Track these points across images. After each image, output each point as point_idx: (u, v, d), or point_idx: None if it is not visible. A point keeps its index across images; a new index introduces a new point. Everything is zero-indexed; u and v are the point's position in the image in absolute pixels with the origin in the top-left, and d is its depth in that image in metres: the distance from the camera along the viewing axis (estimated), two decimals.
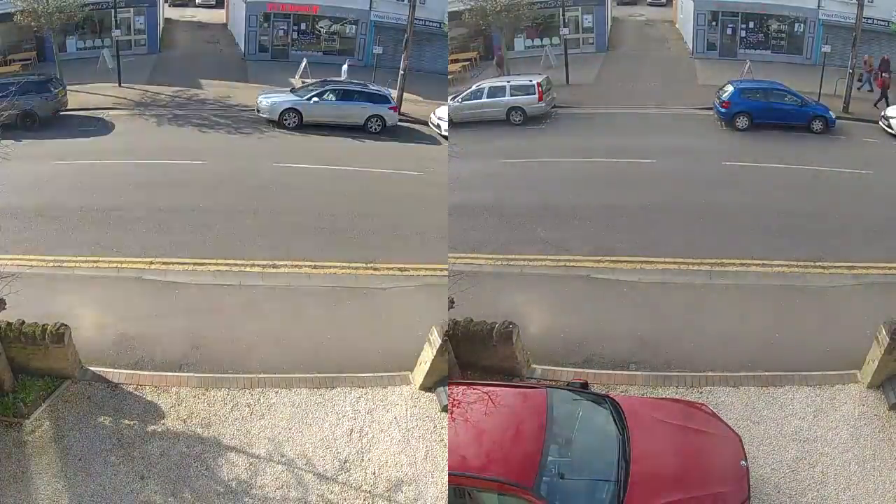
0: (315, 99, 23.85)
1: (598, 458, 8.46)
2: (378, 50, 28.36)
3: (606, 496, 8.07)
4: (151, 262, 14.41)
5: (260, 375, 11.22)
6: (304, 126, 23.51)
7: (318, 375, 11.22)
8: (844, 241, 14.96)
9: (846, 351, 11.13)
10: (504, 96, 24.86)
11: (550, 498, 7.91)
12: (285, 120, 23.55)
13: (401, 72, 26.73)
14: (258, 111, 24.02)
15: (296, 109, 23.57)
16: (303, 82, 26.92)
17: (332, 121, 23.81)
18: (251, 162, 20.55)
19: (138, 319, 12.54)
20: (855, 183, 18.72)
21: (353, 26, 33.44)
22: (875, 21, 28.94)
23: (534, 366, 11.31)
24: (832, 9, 30.33)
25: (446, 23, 31.77)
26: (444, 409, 10.37)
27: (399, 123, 24.94)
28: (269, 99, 24.09)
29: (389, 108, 24.34)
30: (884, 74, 26.74)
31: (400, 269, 14.60)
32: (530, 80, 25.38)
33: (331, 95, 24.06)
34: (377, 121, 23.99)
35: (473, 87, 25.57)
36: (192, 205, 17.06)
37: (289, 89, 25.25)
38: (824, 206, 17.03)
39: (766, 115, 23.34)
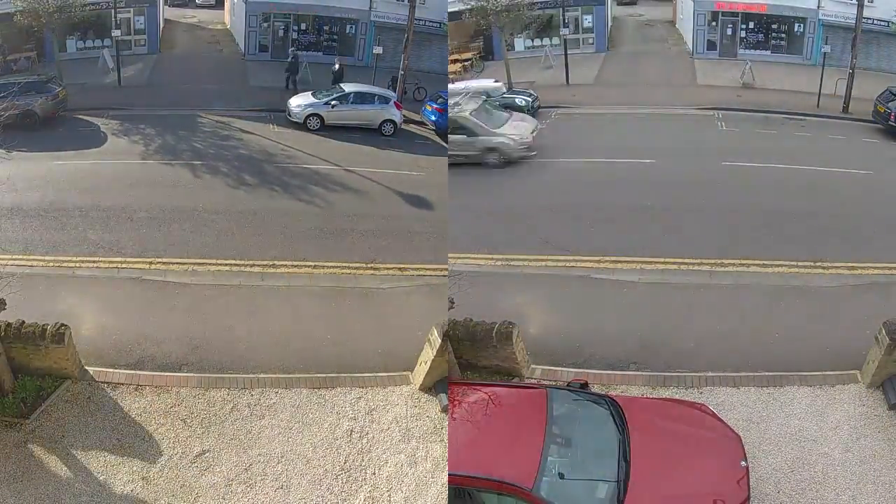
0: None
1: (598, 458, 8.46)
2: (378, 50, 28.39)
3: (606, 496, 8.07)
4: (151, 262, 14.42)
5: (260, 375, 11.22)
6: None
7: (318, 375, 11.22)
8: (844, 241, 14.95)
9: (846, 351, 11.13)
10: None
11: (550, 498, 7.91)
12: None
13: (401, 72, 26.77)
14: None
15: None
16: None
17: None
18: (250, 162, 20.55)
19: (138, 319, 12.54)
20: (855, 183, 18.71)
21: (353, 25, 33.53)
22: (875, 21, 28.96)
23: (534, 366, 11.31)
24: (832, 9, 30.35)
25: (446, 23, 31.80)
26: (444, 409, 10.38)
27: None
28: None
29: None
30: None
31: (400, 269, 14.61)
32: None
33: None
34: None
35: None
36: (193, 205, 17.06)
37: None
38: (824, 206, 17.02)
39: None
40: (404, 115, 25.20)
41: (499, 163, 20.28)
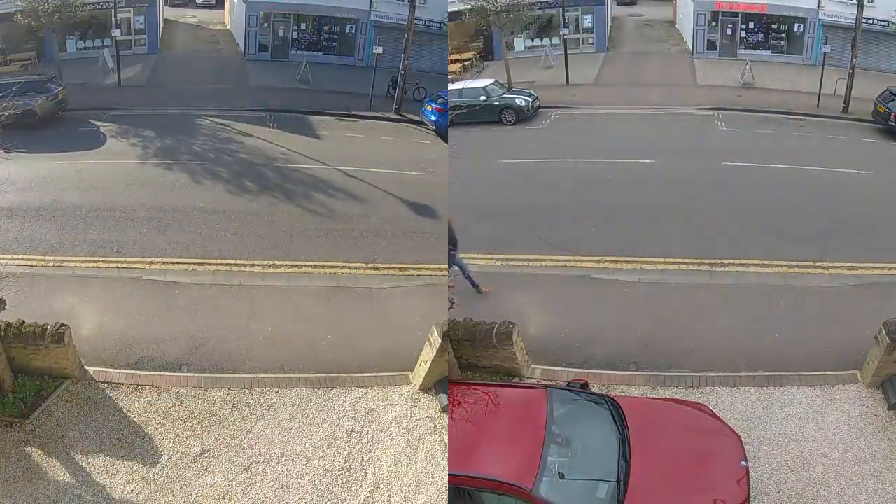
0: None
1: (598, 458, 8.45)
2: (378, 50, 28.38)
3: (606, 496, 8.06)
4: (151, 262, 14.42)
5: (260, 375, 11.22)
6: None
7: (318, 375, 11.22)
8: (844, 241, 14.93)
9: (846, 351, 11.12)
10: None
11: (550, 498, 7.90)
12: None
13: (401, 72, 26.78)
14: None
15: None
16: None
17: None
18: (250, 163, 20.55)
19: (138, 319, 12.54)
20: (855, 183, 18.71)
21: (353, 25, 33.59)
22: (875, 21, 28.95)
23: (534, 366, 11.31)
24: (832, 9, 30.35)
25: (446, 23, 31.81)
26: (444, 409, 10.37)
27: (398, 123, 24.99)
28: None
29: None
30: None
31: (400, 269, 14.60)
32: None
33: None
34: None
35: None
36: (192, 205, 17.07)
37: None
38: (824, 206, 17.01)
39: None
40: (404, 115, 25.22)
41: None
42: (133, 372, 11.22)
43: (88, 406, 10.50)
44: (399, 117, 26.00)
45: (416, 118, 25.60)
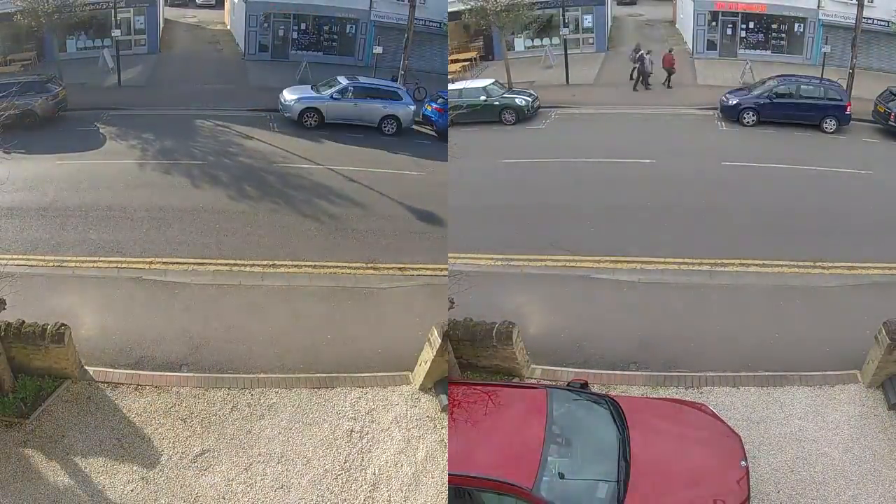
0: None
1: (598, 458, 8.45)
2: (378, 50, 28.39)
3: (606, 496, 8.06)
4: (151, 262, 14.42)
5: (260, 375, 11.22)
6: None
7: (318, 375, 11.22)
8: (844, 241, 14.95)
9: (846, 351, 11.13)
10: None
11: (550, 498, 7.90)
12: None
13: (401, 72, 26.78)
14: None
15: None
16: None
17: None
18: (250, 163, 20.54)
19: (138, 319, 12.54)
20: (855, 183, 18.72)
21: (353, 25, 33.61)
22: (875, 21, 28.97)
23: (534, 366, 11.31)
24: (832, 9, 30.36)
25: (446, 23, 31.83)
26: (444, 409, 10.37)
27: None
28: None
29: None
30: None
31: (400, 269, 14.61)
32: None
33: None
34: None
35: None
36: (192, 205, 17.06)
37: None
38: (824, 206, 17.03)
39: None
40: None
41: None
42: (133, 372, 11.21)
43: (88, 406, 10.50)
44: None
45: (417, 118, 25.59)
